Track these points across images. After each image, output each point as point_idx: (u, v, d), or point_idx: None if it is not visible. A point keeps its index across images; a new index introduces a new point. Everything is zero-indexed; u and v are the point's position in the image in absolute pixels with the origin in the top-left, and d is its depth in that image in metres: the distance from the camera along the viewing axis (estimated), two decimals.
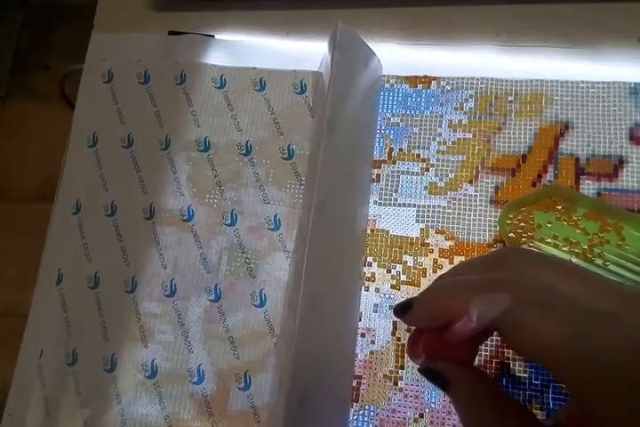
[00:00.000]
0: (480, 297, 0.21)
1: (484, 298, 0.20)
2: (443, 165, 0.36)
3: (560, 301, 0.20)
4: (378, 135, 0.38)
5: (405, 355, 0.33)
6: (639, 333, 0.19)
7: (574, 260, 0.31)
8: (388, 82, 0.39)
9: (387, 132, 0.38)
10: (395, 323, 0.34)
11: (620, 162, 0.34)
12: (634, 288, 0.28)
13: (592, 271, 0.23)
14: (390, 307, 0.34)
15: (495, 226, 0.34)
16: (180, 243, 0.37)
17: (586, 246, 0.32)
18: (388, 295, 0.34)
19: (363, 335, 0.34)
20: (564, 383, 0.20)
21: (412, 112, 0.38)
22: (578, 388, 0.19)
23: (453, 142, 0.36)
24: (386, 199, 0.36)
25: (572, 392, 0.20)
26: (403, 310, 0.24)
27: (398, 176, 0.37)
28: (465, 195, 0.35)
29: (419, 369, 0.24)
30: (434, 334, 0.23)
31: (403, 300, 0.25)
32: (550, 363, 0.20)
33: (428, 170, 0.36)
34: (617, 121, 0.35)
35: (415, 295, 0.25)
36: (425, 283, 0.34)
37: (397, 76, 0.39)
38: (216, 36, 0.42)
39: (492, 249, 0.34)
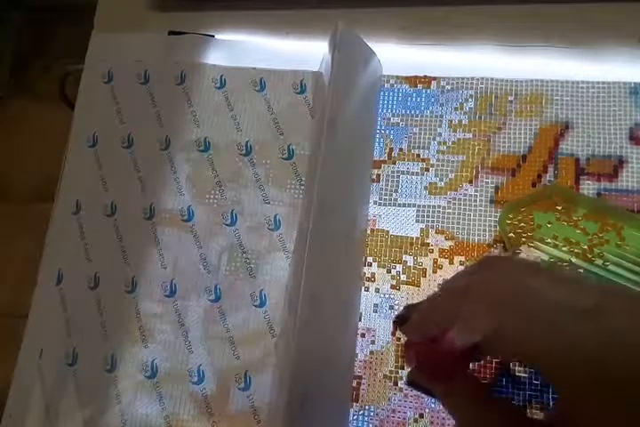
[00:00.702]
0: (462, 321, 0.21)
1: (466, 323, 0.21)
2: (443, 165, 0.36)
3: (539, 302, 0.20)
4: (378, 135, 0.38)
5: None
6: (619, 328, 0.19)
7: (574, 260, 0.31)
8: (387, 82, 0.39)
9: (387, 132, 0.38)
10: (395, 323, 0.34)
11: (620, 162, 0.34)
12: (612, 284, 0.28)
13: (569, 272, 0.23)
14: (390, 307, 0.34)
15: (495, 226, 0.34)
16: (180, 243, 0.37)
17: (586, 246, 0.32)
18: (388, 295, 0.34)
19: (363, 335, 0.34)
20: (552, 382, 0.20)
21: (412, 112, 0.38)
22: (564, 387, 0.20)
23: (453, 142, 0.36)
24: (386, 199, 0.36)
25: (559, 391, 0.20)
26: (401, 321, 0.26)
27: (398, 176, 0.37)
28: (465, 195, 0.35)
29: (406, 382, 0.25)
30: (426, 343, 0.24)
31: (402, 310, 0.26)
32: (536, 365, 0.20)
33: (427, 170, 0.36)
34: (617, 121, 0.35)
35: (413, 303, 0.26)
36: (425, 283, 0.34)
37: (397, 76, 0.39)
38: (216, 36, 0.42)
39: (492, 249, 0.34)
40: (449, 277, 0.26)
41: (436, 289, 0.30)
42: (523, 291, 0.21)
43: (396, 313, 0.27)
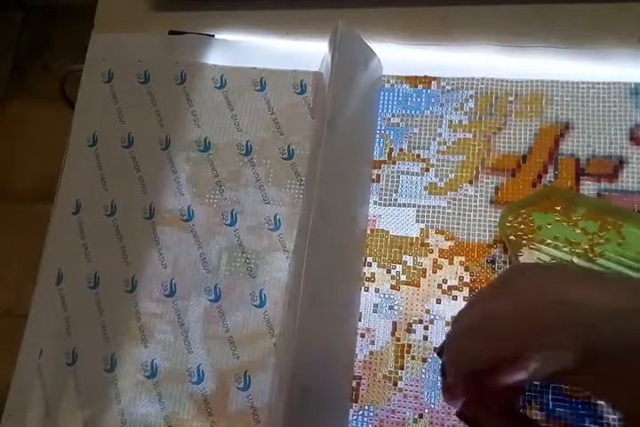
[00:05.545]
0: (538, 354, 0.20)
1: (543, 355, 0.20)
2: (443, 166, 0.36)
3: (570, 309, 0.20)
4: (378, 135, 0.38)
5: (405, 355, 0.33)
6: None
7: (576, 260, 0.31)
8: (387, 82, 0.39)
9: (387, 132, 0.38)
10: (394, 323, 0.34)
11: (621, 162, 0.34)
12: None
13: (596, 270, 0.23)
14: (390, 307, 0.34)
15: (495, 226, 0.34)
16: (180, 243, 0.37)
17: (587, 246, 0.32)
18: (387, 296, 0.34)
19: (362, 336, 0.34)
20: (602, 396, 0.20)
21: (412, 112, 0.38)
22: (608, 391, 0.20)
23: (453, 142, 0.36)
24: (386, 199, 0.36)
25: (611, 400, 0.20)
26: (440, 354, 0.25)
27: (398, 176, 0.37)
28: (465, 195, 0.35)
29: (456, 413, 0.24)
30: (474, 378, 0.23)
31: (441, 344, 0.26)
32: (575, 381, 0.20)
33: (427, 170, 0.36)
34: (617, 121, 0.35)
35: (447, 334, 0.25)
36: (425, 283, 0.34)
37: (397, 76, 0.39)
38: (216, 36, 0.42)
39: (492, 249, 0.34)
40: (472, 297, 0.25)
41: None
42: (545, 299, 0.20)
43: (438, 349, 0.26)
